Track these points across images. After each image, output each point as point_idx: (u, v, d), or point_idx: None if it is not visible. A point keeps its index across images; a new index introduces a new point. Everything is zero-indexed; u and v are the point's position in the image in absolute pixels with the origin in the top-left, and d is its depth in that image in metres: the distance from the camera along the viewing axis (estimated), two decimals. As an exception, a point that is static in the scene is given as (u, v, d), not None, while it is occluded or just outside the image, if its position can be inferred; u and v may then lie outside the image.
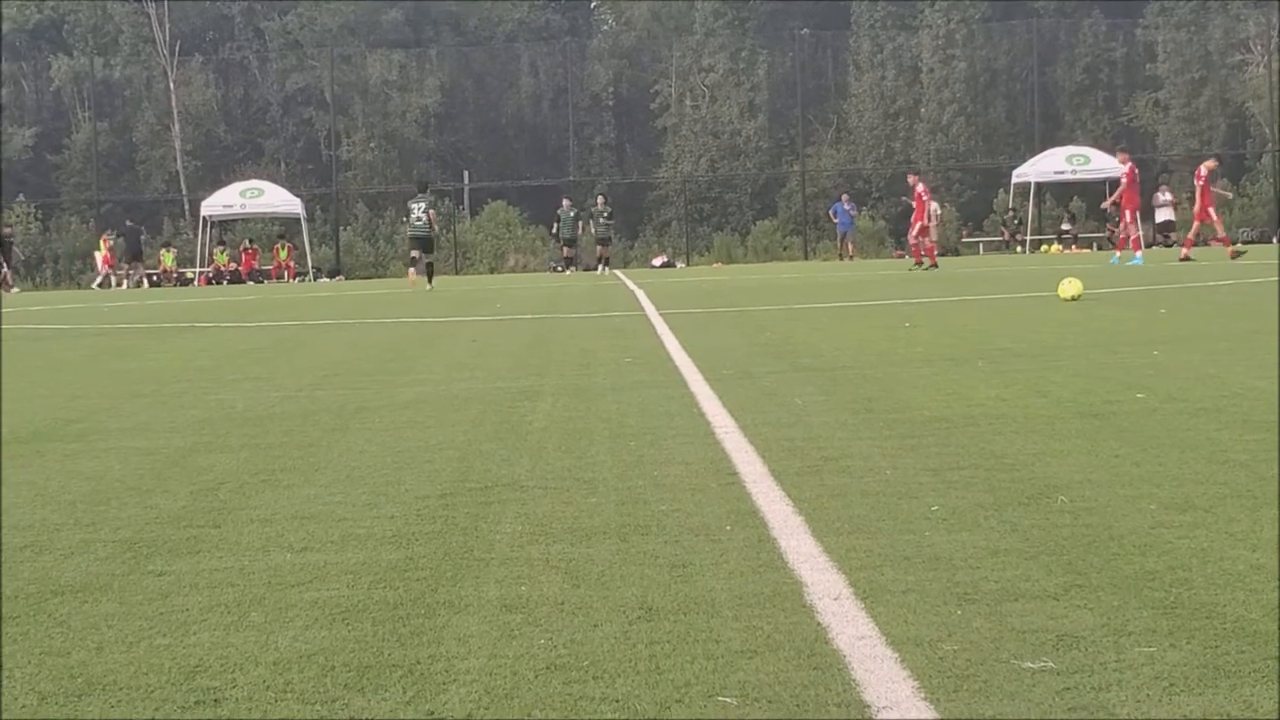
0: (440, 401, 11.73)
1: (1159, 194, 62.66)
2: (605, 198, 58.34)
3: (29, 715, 4.26)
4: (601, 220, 55.29)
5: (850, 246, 62.68)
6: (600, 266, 54.24)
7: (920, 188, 44.01)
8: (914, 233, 44.23)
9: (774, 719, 3.99)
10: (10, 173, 76.20)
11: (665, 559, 5.85)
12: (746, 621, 4.91)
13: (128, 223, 64.57)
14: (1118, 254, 39.38)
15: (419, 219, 42.12)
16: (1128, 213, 39.93)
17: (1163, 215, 61.92)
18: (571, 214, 58.93)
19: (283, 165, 78.02)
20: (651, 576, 5.58)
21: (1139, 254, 39.40)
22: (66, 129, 79.28)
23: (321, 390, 13.00)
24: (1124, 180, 40.21)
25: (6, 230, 64.39)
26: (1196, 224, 41.07)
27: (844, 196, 64.22)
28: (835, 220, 63.13)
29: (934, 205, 63.34)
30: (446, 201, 71.96)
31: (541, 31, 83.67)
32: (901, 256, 63.59)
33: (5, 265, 61.26)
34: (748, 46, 78.33)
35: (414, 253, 42.93)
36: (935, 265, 42.45)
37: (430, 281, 41.88)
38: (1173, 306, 20.28)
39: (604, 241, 55.46)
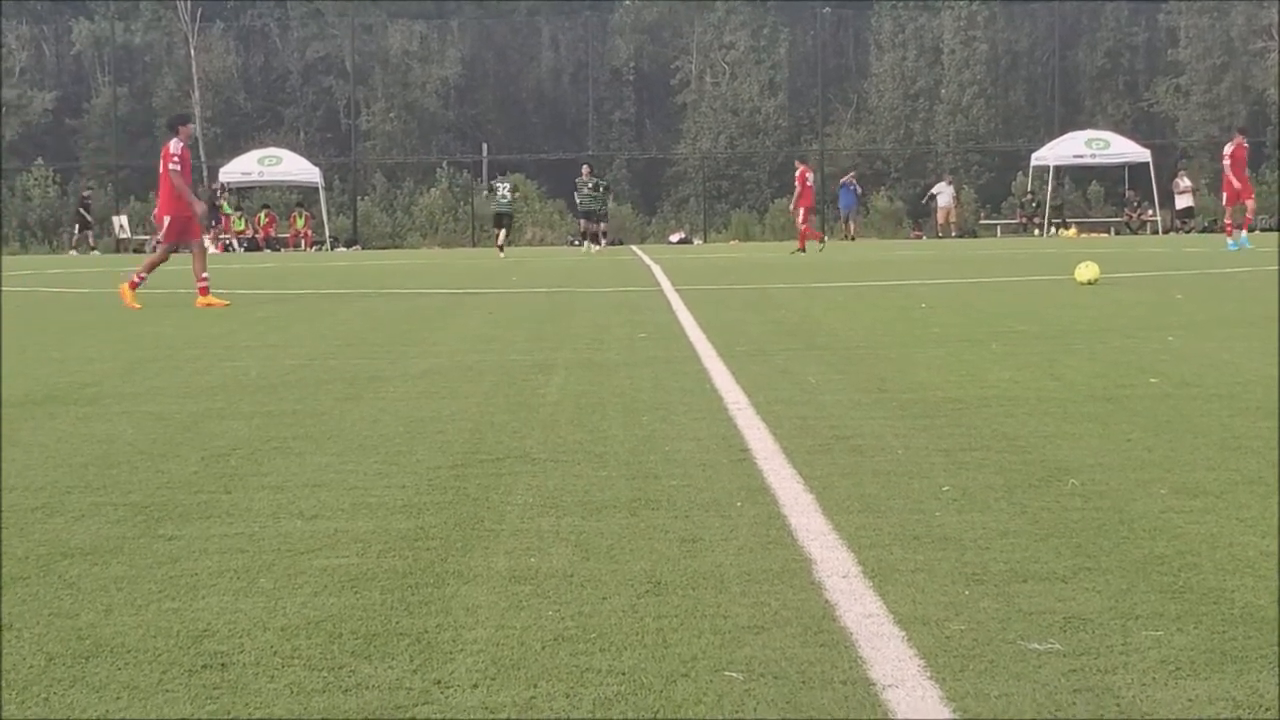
0: (454, 372, 11.74)
1: (1179, 180, 62.53)
2: (590, 168, 54.70)
3: (37, 676, 4.27)
4: (585, 192, 51.79)
5: (852, 226, 62.61)
6: (585, 242, 51.22)
7: (799, 171, 44.65)
8: (799, 218, 44.62)
9: (779, 694, 4.00)
10: (30, 136, 76.23)
11: (675, 534, 5.86)
12: (754, 597, 4.91)
13: (214, 187, 64.46)
14: (1231, 239, 37.88)
15: (504, 197, 47.49)
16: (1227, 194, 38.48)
17: (1183, 202, 61.81)
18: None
19: (301, 134, 77.95)
20: (661, 551, 5.59)
21: (1235, 238, 37.70)
22: (86, 93, 79.21)
23: (335, 359, 13.02)
24: (1228, 162, 38.56)
25: (86, 194, 65.09)
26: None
27: (844, 176, 64.15)
28: (840, 201, 63.07)
29: (950, 189, 63.66)
30: (465, 174, 71.99)
31: (563, 5, 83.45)
32: (920, 237, 63.54)
33: (84, 228, 62.53)
34: (769, 24, 78.14)
35: (498, 229, 47.74)
36: (803, 250, 42.61)
37: (503, 250, 45.90)
38: (1189, 292, 20.25)
39: (588, 215, 52.09)
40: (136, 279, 21.28)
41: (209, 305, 20.87)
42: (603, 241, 53.68)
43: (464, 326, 16.77)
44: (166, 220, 21.60)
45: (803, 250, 42.44)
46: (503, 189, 48.49)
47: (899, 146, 76.12)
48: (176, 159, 21.49)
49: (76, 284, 30.52)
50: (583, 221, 52.38)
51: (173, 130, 22.17)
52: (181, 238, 21.71)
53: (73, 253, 60.07)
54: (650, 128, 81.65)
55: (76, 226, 63.23)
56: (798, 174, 44.89)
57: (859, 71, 78.92)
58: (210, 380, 11.51)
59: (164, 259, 22.19)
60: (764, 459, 7.43)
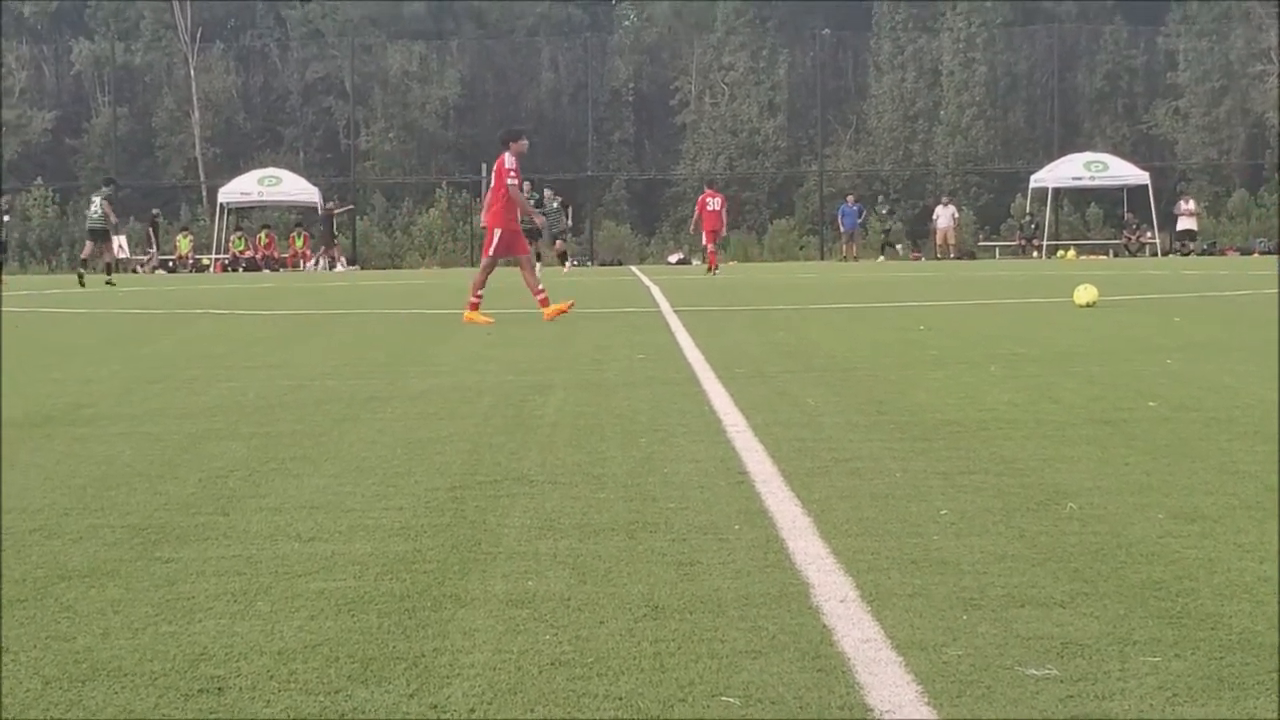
0: (452, 393, 11.73)
1: (1181, 203, 62.57)
2: (533, 184, 49.51)
3: (34, 700, 4.27)
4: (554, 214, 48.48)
5: (854, 247, 62.60)
6: (565, 265, 48.47)
7: (702, 197, 44.93)
8: (704, 240, 45.35)
9: (776, 720, 4.00)
10: (29, 155, 76.30)
11: (672, 557, 5.86)
12: (752, 622, 4.91)
13: (328, 204, 64.13)
14: None
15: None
16: None
17: (1184, 224, 61.86)
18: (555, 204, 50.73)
19: (301, 154, 77.99)
20: (658, 574, 5.59)
21: None
22: (86, 113, 79.24)
23: (333, 380, 13.01)
24: None
25: (155, 212, 65.24)
26: None
27: (849, 198, 64.19)
28: (842, 223, 63.02)
29: (950, 210, 63.67)
30: (464, 194, 72.01)
31: (563, 26, 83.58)
32: (919, 259, 63.56)
33: (155, 247, 62.46)
34: (768, 45, 78.18)
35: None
36: (714, 270, 43.52)
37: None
38: (1188, 315, 20.26)
39: (531, 235, 49.33)
40: (475, 299, 21.09)
41: (558, 313, 20.87)
42: (570, 263, 51.41)
43: (462, 346, 16.75)
44: (497, 233, 21.38)
45: (712, 271, 43.46)
46: None
47: (898, 168, 76.16)
48: (513, 173, 21.40)
49: (75, 304, 30.52)
50: (557, 244, 49.46)
51: (505, 145, 21.86)
52: (509, 251, 21.55)
53: (139, 270, 60.26)
54: (649, 148, 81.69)
55: (153, 247, 63.28)
56: (701, 199, 45.07)
57: (858, 93, 78.95)
58: (208, 401, 11.50)
59: (490, 271, 21.90)
60: (762, 481, 7.42)
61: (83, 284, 39.68)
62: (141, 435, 9.58)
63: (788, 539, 6.13)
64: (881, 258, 61.28)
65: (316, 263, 61.50)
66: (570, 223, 54.01)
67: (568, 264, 49.16)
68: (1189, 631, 4.74)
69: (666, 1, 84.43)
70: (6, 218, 47.39)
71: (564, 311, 21.00)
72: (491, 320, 20.56)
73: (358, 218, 70.52)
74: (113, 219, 43.77)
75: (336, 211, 62.98)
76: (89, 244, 42.93)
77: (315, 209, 65.53)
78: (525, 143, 21.87)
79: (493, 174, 21.80)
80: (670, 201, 77.99)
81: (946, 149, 75.32)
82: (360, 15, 79.57)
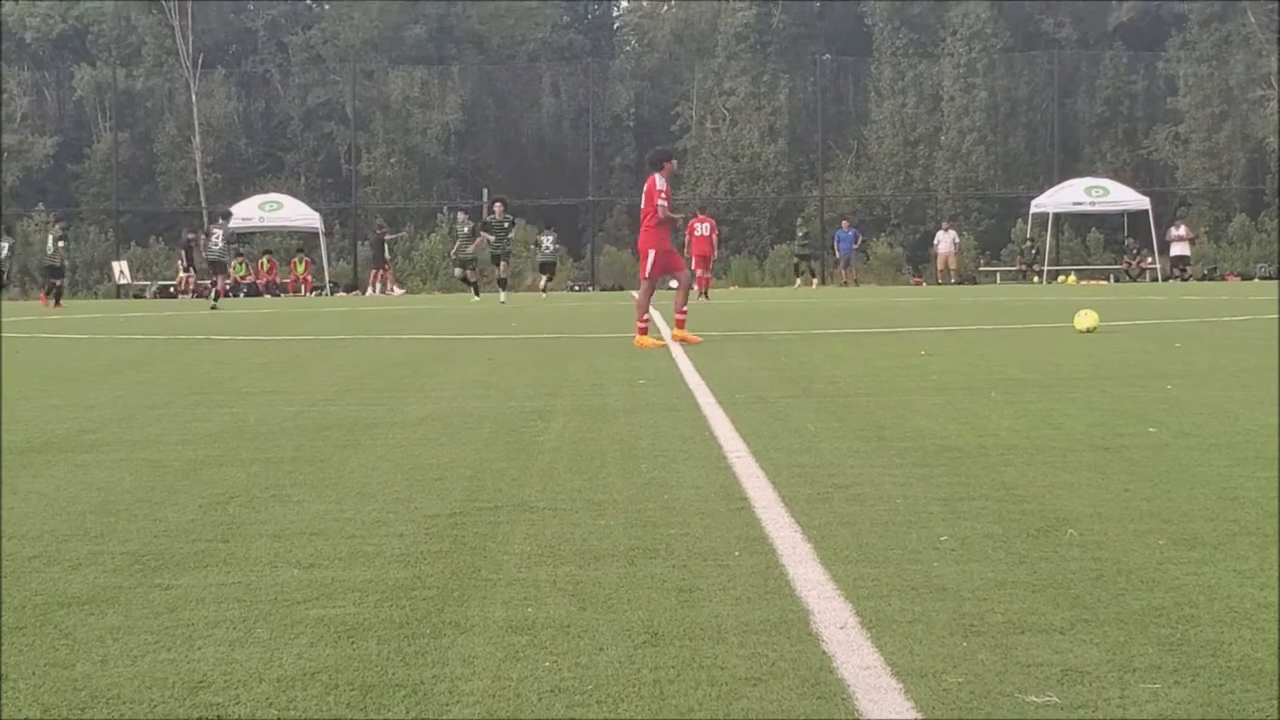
0: (453, 419, 11.73)
1: (1172, 229, 62.62)
2: (504, 204, 46.43)
3: (32, 727, 4.26)
4: (500, 232, 44.69)
5: (852, 272, 62.53)
6: (502, 291, 44.01)
7: (691, 223, 45.01)
8: (695, 264, 44.84)
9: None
10: (31, 181, 76.39)
11: (672, 583, 5.85)
12: (752, 648, 4.91)
13: (379, 229, 63.99)
14: None
15: (549, 248, 53.53)
16: None
17: (1177, 250, 61.90)
18: (465, 228, 48.15)
19: (302, 179, 78.08)
20: (658, 601, 5.58)
21: None
22: (88, 139, 79.37)
23: (334, 405, 13.01)
24: None
25: (190, 236, 64.51)
26: None
27: (844, 223, 64.24)
28: (838, 248, 62.93)
29: (950, 235, 63.71)
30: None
31: (564, 51, 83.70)
32: (920, 284, 63.57)
33: (192, 268, 60.32)
34: (769, 70, 78.31)
35: (542, 274, 52.38)
36: (706, 298, 43.36)
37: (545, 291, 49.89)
38: (1188, 341, 20.25)
39: (502, 257, 44.77)
40: (642, 324, 21.14)
41: (684, 340, 20.95)
42: (505, 292, 44.24)
43: (463, 372, 16.74)
44: (651, 255, 21.50)
45: (705, 298, 43.36)
46: (547, 240, 53.10)
47: (899, 193, 76.22)
48: (663, 194, 21.58)
49: (75, 330, 30.53)
50: (501, 265, 45.04)
51: (656, 166, 22.02)
52: (666, 269, 21.73)
53: (185, 296, 59.70)
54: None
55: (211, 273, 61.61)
56: (690, 226, 44.94)
57: (859, 118, 79.04)
58: (209, 427, 11.50)
59: (651, 293, 21.86)
60: (762, 507, 7.42)
61: (215, 307, 41.44)
62: (142, 461, 9.59)
63: (788, 565, 6.12)
64: (798, 281, 61.06)
65: (375, 288, 61.30)
66: (545, 246, 53.50)
67: (503, 293, 44.09)
68: (1189, 659, 4.74)
69: (672, 13, 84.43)
70: (61, 244, 49.41)
71: (690, 341, 20.84)
72: (663, 343, 20.67)
73: (359, 243, 70.60)
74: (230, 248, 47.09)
75: (389, 237, 62.88)
76: (210, 274, 45.52)
77: (317, 234, 65.63)
78: (675, 163, 21.93)
79: (643, 196, 21.87)
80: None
81: (947, 174, 75.43)
82: (361, 41, 79.69)
